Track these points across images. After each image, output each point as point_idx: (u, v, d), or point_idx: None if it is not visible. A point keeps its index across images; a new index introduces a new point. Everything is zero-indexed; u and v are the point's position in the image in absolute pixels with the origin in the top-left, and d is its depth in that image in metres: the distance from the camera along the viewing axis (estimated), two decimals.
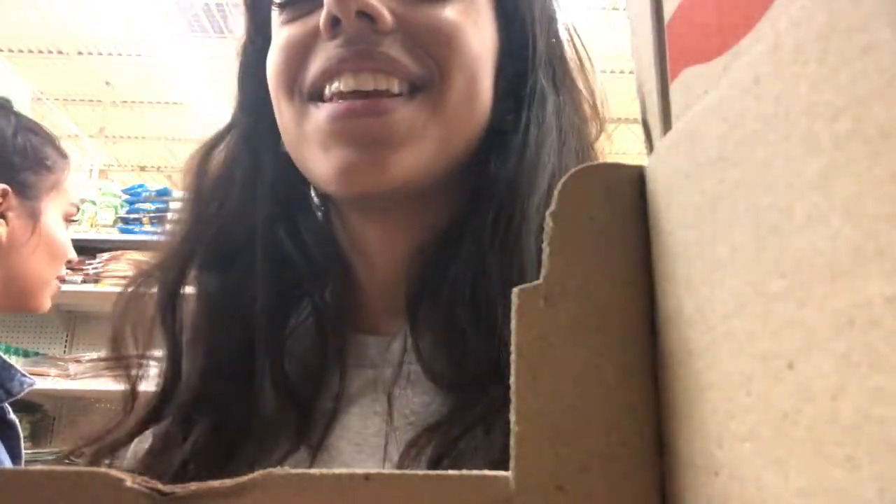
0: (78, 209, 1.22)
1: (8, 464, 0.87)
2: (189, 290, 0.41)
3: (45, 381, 2.20)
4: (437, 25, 0.35)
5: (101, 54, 4.21)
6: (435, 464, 0.32)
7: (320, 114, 0.35)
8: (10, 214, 0.88)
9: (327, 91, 0.35)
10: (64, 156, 0.97)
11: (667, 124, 0.21)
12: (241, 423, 0.37)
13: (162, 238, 0.44)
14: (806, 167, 0.12)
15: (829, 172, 0.11)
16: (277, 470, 0.17)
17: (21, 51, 4.12)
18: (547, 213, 0.19)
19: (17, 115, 0.92)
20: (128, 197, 2.61)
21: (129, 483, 0.16)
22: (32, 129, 0.93)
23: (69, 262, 1.02)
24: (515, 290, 0.18)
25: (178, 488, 0.16)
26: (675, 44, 0.21)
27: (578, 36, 0.43)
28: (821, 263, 0.11)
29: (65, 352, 2.65)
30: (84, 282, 2.38)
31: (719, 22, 0.18)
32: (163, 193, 2.61)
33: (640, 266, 0.18)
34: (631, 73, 0.25)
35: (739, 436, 0.13)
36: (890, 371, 0.10)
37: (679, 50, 0.20)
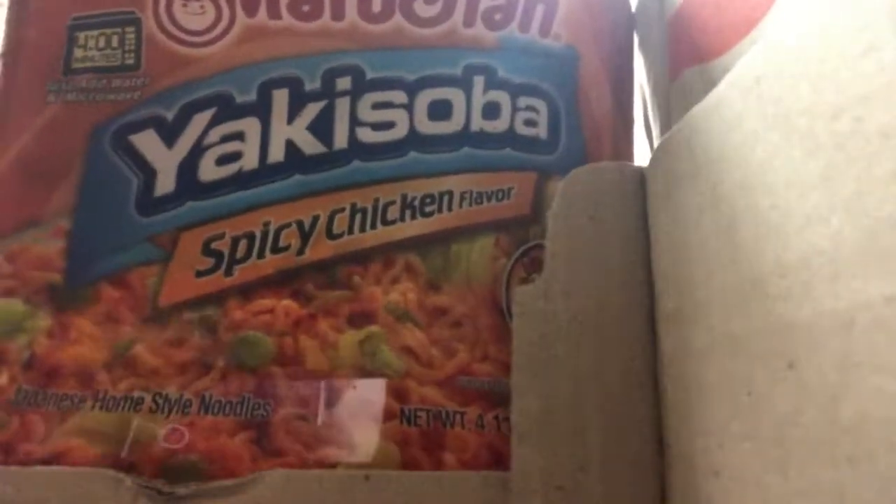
0: None
1: None
2: None
3: None
4: None
5: None
6: None
7: None
8: None
9: None
10: None
11: (668, 124, 0.21)
12: None
13: None
14: (806, 167, 0.12)
15: (829, 172, 0.11)
16: (277, 469, 0.17)
17: None
18: (547, 213, 0.19)
19: None
20: None
21: (128, 482, 0.16)
22: None
23: None
24: (516, 289, 0.18)
25: (178, 487, 0.16)
26: (677, 44, 0.21)
27: None
28: (821, 263, 0.11)
29: None
30: None
31: (721, 22, 0.18)
32: None
33: (640, 266, 0.18)
34: None
35: (740, 436, 0.13)
36: (890, 371, 0.10)
37: (680, 50, 0.20)
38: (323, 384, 0.18)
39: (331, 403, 0.18)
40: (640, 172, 0.19)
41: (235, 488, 0.16)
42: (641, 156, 0.24)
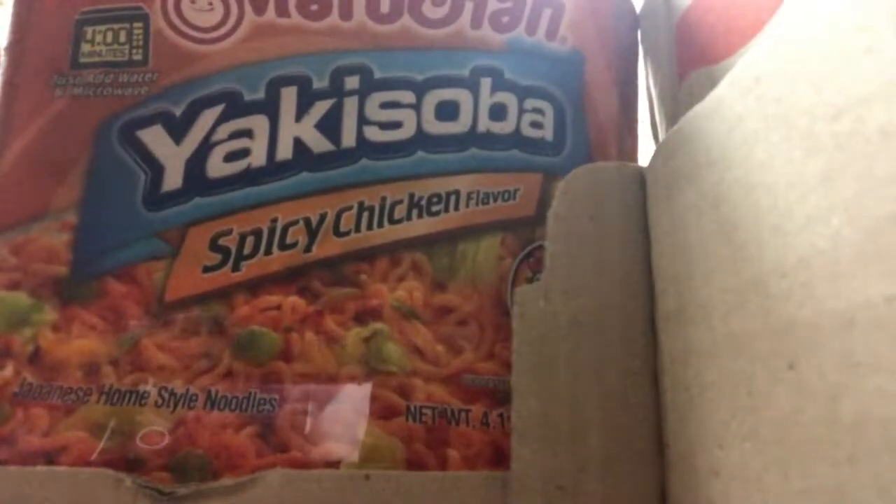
0: None
1: None
2: None
3: None
4: None
5: None
6: None
7: None
8: None
9: None
10: None
11: (674, 126, 0.21)
12: None
13: None
14: (806, 167, 0.12)
15: (829, 172, 0.11)
16: (277, 469, 0.17)
17: None
18: (547, 213, 0.19)
19: None
20: None
21: (128, 482, 0.16)
22: None
23: None
24: (516, 290, 0.18)
25: (179, 487, 0.16)
26: (684, 47, 0.21)
27: None
28: (821, 263, 0.11)
29: None
30: None
31: (727, 25, 0.18)
32: None
33: (640, 266, 0.18)
34: None
35: (740, 436, 0.13)
36: (890, 371, 0.10)
37: (688, 52, 0.20)
38: (322, 382, 0.18)
39: (327, 401, 0.18)
40: (640, 172, 0.19)
41: (235, 488, 0.16)
42: (647, 158, 0.24)
